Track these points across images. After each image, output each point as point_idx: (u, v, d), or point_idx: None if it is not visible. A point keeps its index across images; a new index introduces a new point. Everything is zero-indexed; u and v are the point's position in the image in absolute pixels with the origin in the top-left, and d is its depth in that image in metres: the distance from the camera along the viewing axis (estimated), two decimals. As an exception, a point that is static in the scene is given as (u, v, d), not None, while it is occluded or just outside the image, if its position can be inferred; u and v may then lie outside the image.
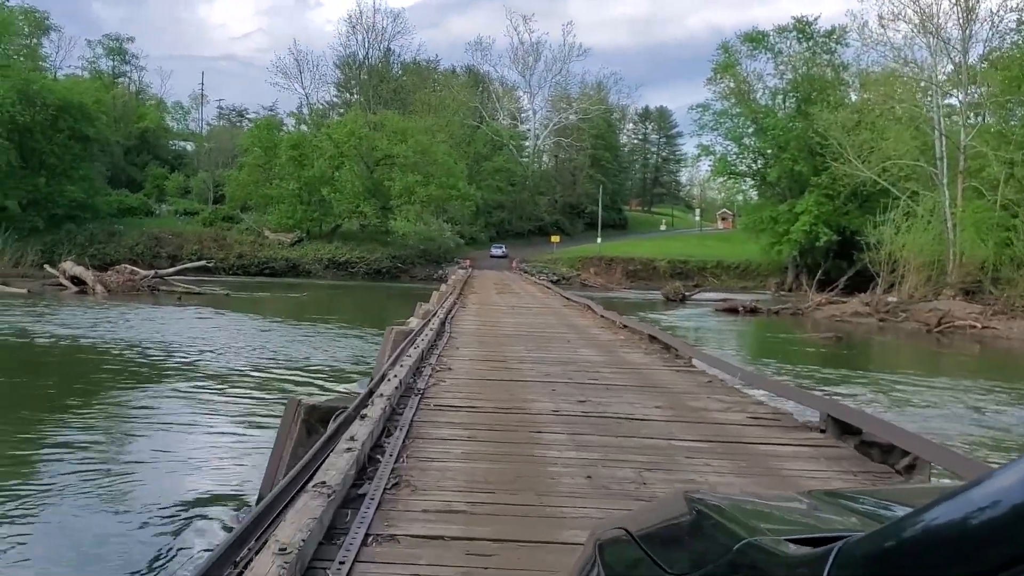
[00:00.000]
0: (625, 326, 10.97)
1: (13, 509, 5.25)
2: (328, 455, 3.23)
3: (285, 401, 5.32)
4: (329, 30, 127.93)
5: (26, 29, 48.58)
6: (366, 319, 20.21)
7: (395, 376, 5.15)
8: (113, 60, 65.55)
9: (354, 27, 59.45)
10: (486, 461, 3.65)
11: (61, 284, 24.71)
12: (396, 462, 3.46)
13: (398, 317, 15.30)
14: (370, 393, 4.70)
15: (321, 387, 10.06)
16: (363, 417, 3.87)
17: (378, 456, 3.52)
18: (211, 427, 8.04)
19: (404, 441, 3.86)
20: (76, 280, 24.32)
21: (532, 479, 3.39)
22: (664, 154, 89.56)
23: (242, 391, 9.98)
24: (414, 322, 11.64)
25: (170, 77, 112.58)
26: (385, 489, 3.06)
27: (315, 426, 4.70)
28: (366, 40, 57.84)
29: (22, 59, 44.52)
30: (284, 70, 58.40)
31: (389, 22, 75.42)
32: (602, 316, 12.69)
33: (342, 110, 55.73)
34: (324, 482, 2.77)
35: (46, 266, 27.89)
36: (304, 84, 60.48)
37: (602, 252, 44.51)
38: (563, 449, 3.98)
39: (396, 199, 40.31)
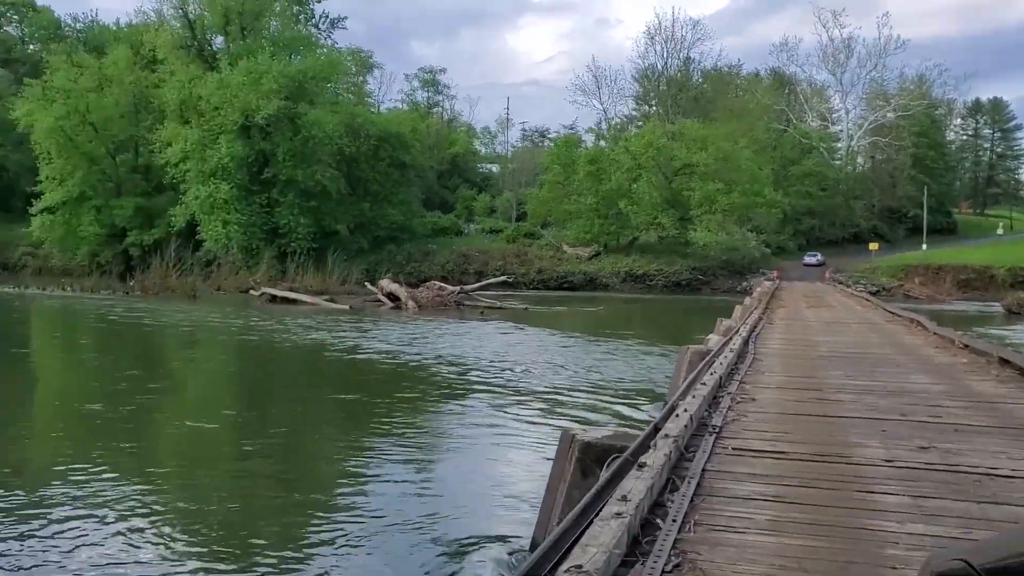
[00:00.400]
0: (966, 345, 9.19)
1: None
2: (594, 517, 2.61)
3: (562, 429, 4.79)
4: (628, 47, 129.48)
5: (353, 68, 54.21)
6: (663, 335, 19.53)
7: (685, 411, 4.42)
8: (427, 91, 71.38)
9: (652, 38, 59.37)
10: (799, 535, 2.81)
11: (379, 300, 26.83)
12: (680, 531, 2.74)
13: (697, 333, 14.40)
14: (654, 431, 4.02)
15: (608, 411, 9.55)
16: (641, 466, 3.19)
17: (658, 520, 2.82)
18: (496, 453, 7.80)
19: (692, 500, 3.11)
20: (391, 296, 26.26)
21: (865, 569, 2.52)
22: (999, 150, 79.81)
23: (532, 411, 9.74)
24: (713, 340, 10.70)
25: (477, 104, 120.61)
26: (663, 573, 2.37)
27: (591, 467, 4.12)
28: (664, 50, 57.55)
29: (351, 96, 49.75)
30: (583, 87, 59.83)
31: (688, 30, 74.48)
32: (936, 334, 10.87)
33: (640, 123, 55.76)
34: (580, 566, 2.14)
35: (367, 284, 30.49)
36: (602, 100, 61.49)
37: (928, 259, 40.00)
38: (904, 520, 3.01)
39: (696, 209, 39.30)
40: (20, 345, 17.04)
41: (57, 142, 40.72)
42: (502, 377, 12.35)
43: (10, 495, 5.99)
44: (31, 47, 65.19)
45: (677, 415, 4.29)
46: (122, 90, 42.05)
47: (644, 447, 3.64)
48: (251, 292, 29.65)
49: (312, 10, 50.92)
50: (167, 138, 38.79)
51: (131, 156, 43.31)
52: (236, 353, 16.08)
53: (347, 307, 25.24)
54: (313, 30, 50.21)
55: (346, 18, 53.84)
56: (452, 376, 12.42)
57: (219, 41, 43.53)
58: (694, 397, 4.90)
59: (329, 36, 51.72)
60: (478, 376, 12.40)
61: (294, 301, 27.07)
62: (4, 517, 5.47)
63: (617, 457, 3.55)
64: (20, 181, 47.16)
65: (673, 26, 73.94)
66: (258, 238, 38.49)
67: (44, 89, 41.21)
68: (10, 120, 42.90)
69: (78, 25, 66.17)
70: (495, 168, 69.65)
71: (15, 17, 67.97)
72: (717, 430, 4.42)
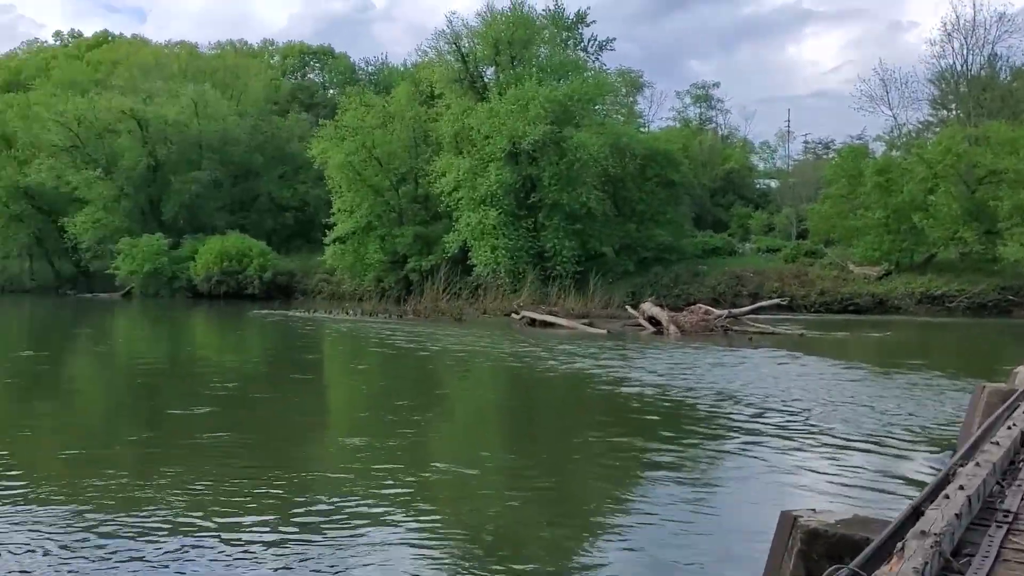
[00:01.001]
0: None
1: None
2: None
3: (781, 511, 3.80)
4: (923, 50, 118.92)
5: (623, 89, 54.26)
6: (967, 365, 17.08)
7: (961, 488, 3.23)
8: (700, 107, 69.86)
9: (950, 35, 53.54)
10: None
11: (639, 324, 26.11)
12: None
13: (1007, 364, 12.29)
14: (914, 514, 2.96)
15: (883, 466, 8.19)
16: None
17: None
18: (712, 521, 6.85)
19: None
20: (652, 320, 25.41)
21: None
22: None
23: (803, 457, 8.60)
24: (1021, 375, 8.84)
25: (754, 118, 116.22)
26: None
27: (817, 562, 3.13)
28: (964, 47, 51.65)
29: (619, 116, 49.77)
30: (869, 93, 55.19)
31: (993, 23, 66.50)
32: None
33: (937, 128, 50.46)
34: None
35: (627, 307, 29.87)
36: (892, 105, 56.29)
37: None
38: None
39: (1005, 220, 34.59)
40: (303, 370, 18.26)
41: (347, 176, 44.43)
42: (778, 415, 11.21)
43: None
44: (330, 92, 72.32)
45: (947, 495, 3.15)
46: (403, 125, 45.09)
47: (889, 544, 2.63)
48: (512, 315, 30.18)
49: (580, 34, 51.73)
50: (441, 168, 40.91)
51: (411, 187, 46.20)
52: (502, 382, 16.24)
53: (604, 331, 24.80)
54: (581, 54, 50.87)
55: (614, 39, 53.84)
56: (725, 414, 11.47)
57: (490, 72, 45.35)
58: (979, 465, 3.67)
59: (597, 59, 52.19)
60: (749, 414, 11.39)
61: (552, 324, 27.13)
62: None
63: (839, 569, 2.54)
64: (319, 214, 52.01)
65: (974, 21, 66.50)
66: (524, 262, 39.35)
67: (336, 128, 45.20)
68: (308, 158, 47.50)
69: (370, 68, 72.77)
70: (773, 183, 66.47)
71: (317, 65, 76.08)
72: (1011, 518, 3.22)
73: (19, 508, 6.76)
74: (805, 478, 7.91)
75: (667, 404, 12.34)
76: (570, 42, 50.12)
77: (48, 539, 5.98)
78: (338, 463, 8.76)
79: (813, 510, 3.51)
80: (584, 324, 26.71)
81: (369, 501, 7.15)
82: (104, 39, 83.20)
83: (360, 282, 46.22)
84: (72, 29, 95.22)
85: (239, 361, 20.58)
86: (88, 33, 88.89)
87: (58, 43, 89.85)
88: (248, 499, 7.14)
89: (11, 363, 18.60)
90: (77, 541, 5.95)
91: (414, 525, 6.48)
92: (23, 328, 33.09)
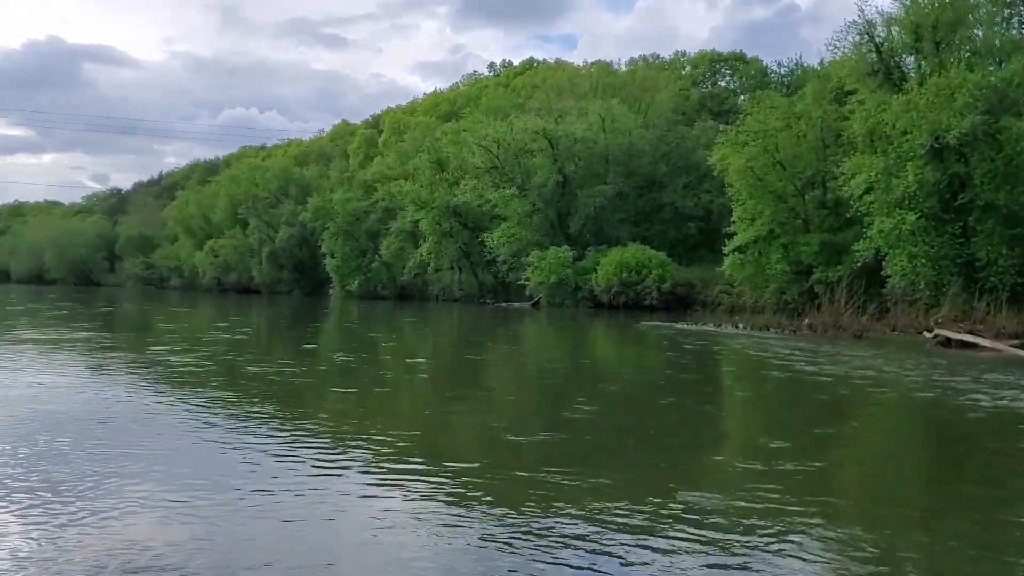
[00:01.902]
0: None
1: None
2: None
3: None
4: None
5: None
6: None
7: None
8: None
9: None
10: None
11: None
12: None
13: None
14: None
15: None
16: None
17: None
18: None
19: None
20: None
21: None
22: None
23: None
24: None
25: None
26: None
27: None
28: None
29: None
30: None
31: None
32: None
33: None
34: None
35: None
36: None
37: None
38: None
39: None
40: (681, 386, 17.77)
41: (747, 182, 43.35)
42: None
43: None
44: (741, 97, 71.33)
45: None
46: (809, 125, 42.83)
47: None
48: (924, 333, 26.86)
49: (1028, 9, 44.78)
50: (851, 169, 38.00)
51: (819, 192, 43.70)
52: (911, 420, 13.71)
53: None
54: (1030, 30, 44.03)
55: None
56: None
57: (909, 61, 41.20)
58: None
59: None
60: None
61: (973, 346, 23.55)
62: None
63: None
64: (722, 223, 51.45)
65: None
66: (948, 272, 34.94)
67: (737, 133, 44.34)
68: (710, 166, 47.24)
69: (782, 70, 70.46)
70: None
71: (728, 72, 75.59)
72: None
73: (450, 502, 7.49)
74: None
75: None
76: (1014, 20, 43.59)
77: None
78: (732, 486, 8.26)
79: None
80: (1015, 346, 22.86)
81: (781, 525, 6.77)
82: (529, 66, 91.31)
83: (761, 294, 44.73)
84: (504, 60, 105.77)
85: (625, 370, 20.99)
86: (517, 62, 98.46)
87: (491, 74, 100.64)
88: (647, 507, 7.23)
89: (441, 362, 22.33)
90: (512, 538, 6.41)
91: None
92: (452, 331, 37.33)
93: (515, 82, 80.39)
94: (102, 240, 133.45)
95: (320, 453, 9.44)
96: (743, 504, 7.38)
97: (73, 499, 7.28)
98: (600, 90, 63.99)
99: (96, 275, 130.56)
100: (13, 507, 7.05)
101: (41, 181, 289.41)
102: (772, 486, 7.98)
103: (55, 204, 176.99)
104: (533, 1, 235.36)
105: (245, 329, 33.94)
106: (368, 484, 7.99)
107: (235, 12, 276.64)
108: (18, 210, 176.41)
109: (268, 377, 16.41)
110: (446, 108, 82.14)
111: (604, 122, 57.27)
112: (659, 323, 37.44)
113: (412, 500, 7.47)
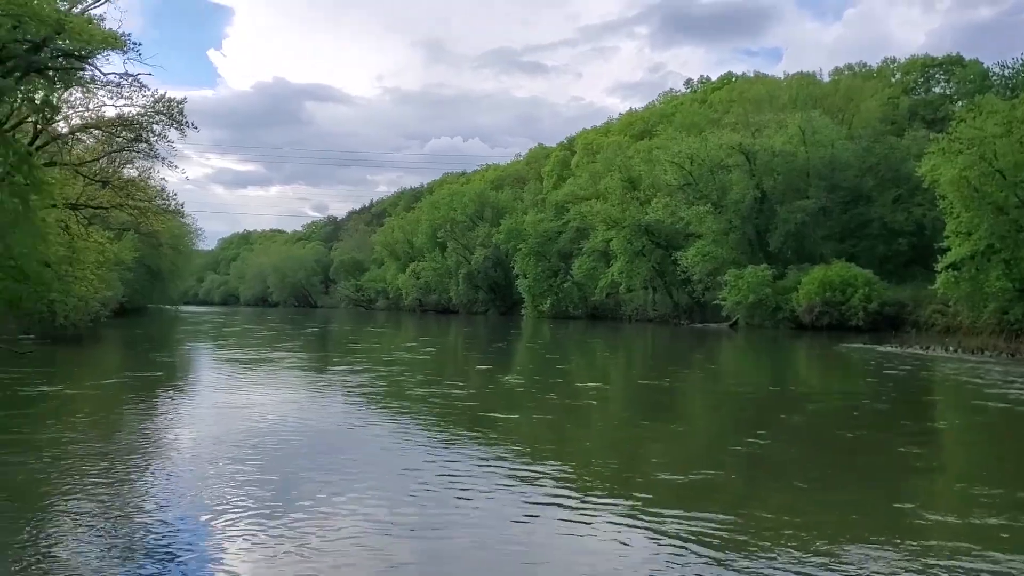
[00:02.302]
0: None
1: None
2: None
3: None
4: None
5: None
6: None
7: None
8: None
9: None
10: None
11: None
12: None
13: None
14: None
15: None
16: None
17: None
18: None
19: None
20: None
21: None
22: None
23: None
24: None
25: None
26: None
27: None
28: None
29: None
30: None
31: None
32: None
33: None
34: None
35: None
36: None
37: None
38: None
39: None
40: (887, 418, 16.65)
41: (962, 194, 40.40)
42: None
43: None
44: (958, 104, 66.62)
45: None
46: (1032, 129, 39.44)
47: None
48: None
49: None
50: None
51: (1047, 202, 40.07)
52: None
53: None
54: None
55: None
56: None
57: None
58: None
59: None
60: None
61: None
62: None
63: None
64: (936, 239, 48.22)
65: None
66: None
67: (949, 141, 41.51)
68: (919, 178, 44.45)
69: (1005, 72, 65.05)
70: None
71: (942, 76, 70.71)
72: None
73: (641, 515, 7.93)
74: None
75: None
76: None
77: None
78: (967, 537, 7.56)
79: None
80: None
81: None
82: (727, 81, 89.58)
83: (978, 314, 41.43)
84: (701, 76, 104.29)
85: (817, 398, 20.06)
86: (715, 78, 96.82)
87: (687, 91, 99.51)
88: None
89: (632, 387, 22.15)
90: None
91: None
92: (645, 354, 37.25)
93: (712, 97, 79.15)
94: (319, 265, 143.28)
95: (513, 477, 9.75)
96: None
97: (296, 516, 7.92)
98: (800, 102, 61.81)
99: (313, 297, 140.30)
100: (240, 523, 7.66)
101: (269, 211, 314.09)
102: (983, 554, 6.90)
103: (279, 232, 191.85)
104: (735, 15, 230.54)
105: (428, 350, 35.45)
106: (569, 519, 8.14)
107: (440, 47, 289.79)
108: (247, 239, 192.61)
109: (461, 399, 16.94)
110: (640, 127, 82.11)
111: (804, 134, 55.26)
112: (862, 345, 35.57)
113: (615, 531, 7.65)
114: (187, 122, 29.86)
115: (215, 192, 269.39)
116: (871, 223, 56.09)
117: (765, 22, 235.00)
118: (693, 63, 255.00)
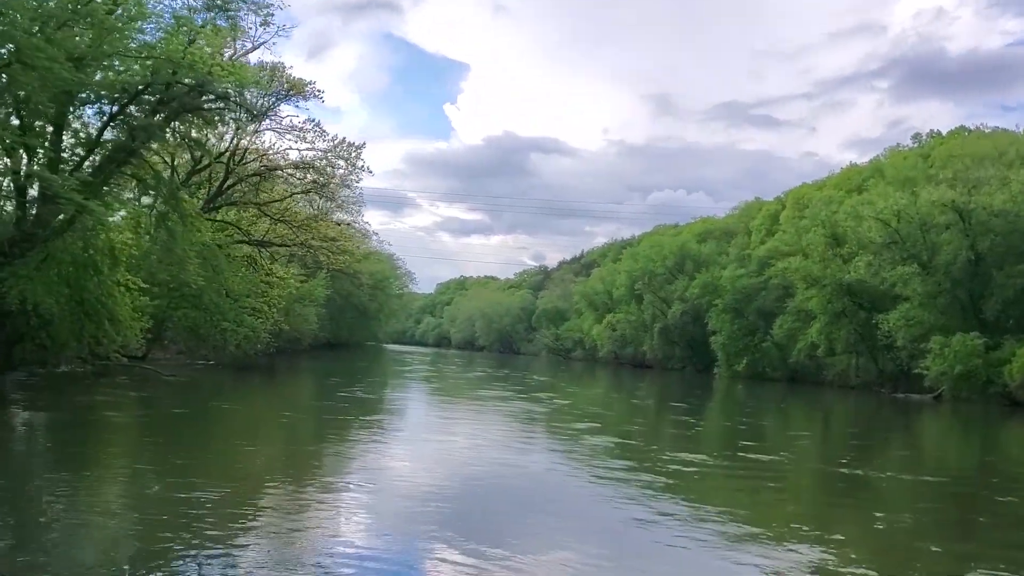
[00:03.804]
0: None
1: None
2: None
3: None
4: None
5: None
6: None
7: None
8: None
9: None
10: None
11: None
12: None
13: None
14: None
15: None
16: None
17: None
18: None
19: None
20: None
21: None
22: None
23: None
24: None
25: None
26: None
27: None
28: None
29: None
30: None
31: None
32: None
33: None
34: None
35: None
36: None
37: None
38: None
39: None
40: None
41: None
42: None
43: None
44: None
45: None
46: None
47: None
48: None
49: None
50: None
51: None
52: None
53: None
54: None
55: None
56: None
57: None
58: None
59: None
60: None
61: None
62: None
63: None
64: None
65: None
66: None
67: None
68: None
69: None
70: None
71: None
72: None
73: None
74: None
75: None
76: None
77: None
78: None
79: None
80: None
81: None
82: (959, 134, 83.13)
83: None
84: (931, 130, 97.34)
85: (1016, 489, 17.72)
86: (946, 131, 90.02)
87: (915, 145, 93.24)
88: None
89: (821, 468, 19.84)
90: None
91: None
92: (839, 426, 35.08)
93: (935, 152, 73.68)
94: (525, 312, 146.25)
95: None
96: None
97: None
98: (1027, 158, 56.21)
99: (517, 344, 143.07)
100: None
101: (489, 259, 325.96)
102: None
103: (493, 279, 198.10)
104: (992, 67, 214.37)
105: (593, 410, 35.00)
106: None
107: (667, 100, 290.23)
108: (463, 284, 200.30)
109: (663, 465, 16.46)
110: (856, 181, 77.77)
111: (1032, 193, 50.12)
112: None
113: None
114: (364, 166, 31.83)
115: (441, 239, 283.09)
116: (1111, 292, 49.81)
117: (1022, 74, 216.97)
118: (940, 118, 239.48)
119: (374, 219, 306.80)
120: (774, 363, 70.50)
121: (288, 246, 38.29)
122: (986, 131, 77.32)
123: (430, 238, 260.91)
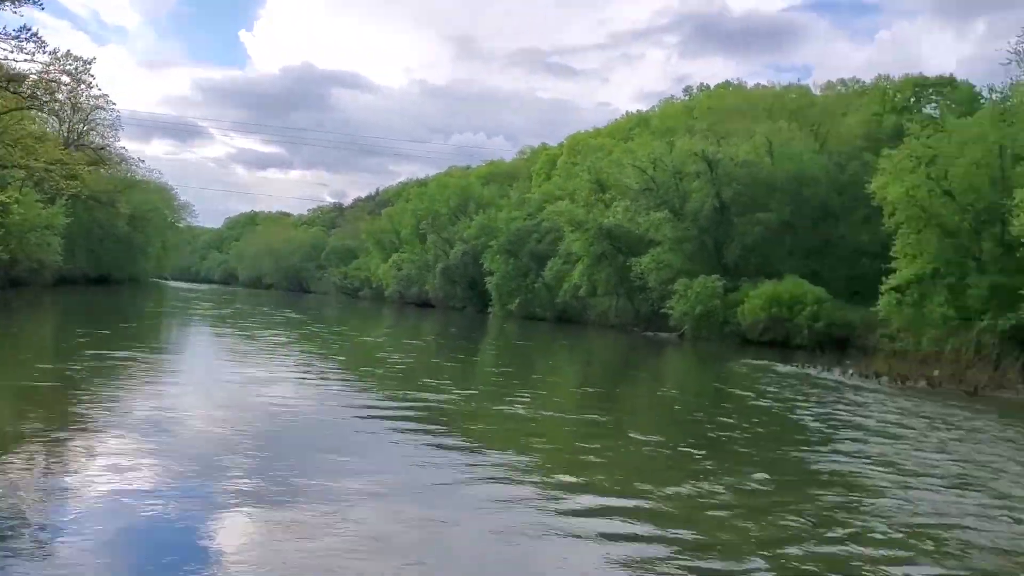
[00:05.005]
0: None
1: None
2: None
3: None
4: None
5: None
6: None
7: None
8: None
9: None
10: None
11: None
12: None
13: None
14: None
15: None
16: None
17: None
18: None
19: None
20: None
21: None
22: None
23: None
24: None
25: None
26: None
27: None
28: None
29: None
30: None
31: None
32: None
33: None
34: None
35: None
36: None
37: None
38: None
39: None
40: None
41: (909, 213, 38.59)
42: None
43: None
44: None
45: None
46: (983, 151, 37.43)
47: None
48: None
49: None
50: (1020, 201, 32.72)
51: (998, 229, 38.06)
52: None
53: None
54: None
55: None
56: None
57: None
58: None
59: None
60: None
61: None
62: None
63: None
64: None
65: None
66: None
67: (901, 159, 39.63)
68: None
69: (994, 95, 62.56)
70: None
71: (934, 96, 68.37)
72: None
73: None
74: None
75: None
76: None
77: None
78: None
79: None
80: None
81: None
82: (723, 88, 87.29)
83: (917, 343, 39.39)
84: (701, 83, 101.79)
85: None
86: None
87: (685, 97, 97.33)
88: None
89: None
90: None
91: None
92: (596, 362, 35.90)
93: (698, 105, 77.14)
94: (315, 250, 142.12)
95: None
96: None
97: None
98: (776, 113, 59.84)
99: (307, 283, 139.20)
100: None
101: (287, 195, 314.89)
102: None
103: (285, 215, 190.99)
104: (769, 30, 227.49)
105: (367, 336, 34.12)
106: None
107: (470, 43, 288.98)
108: (253, 219, 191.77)
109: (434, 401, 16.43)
110: (626, 130, 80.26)
111: (772, 145, 53.33)
112: (765, 363, 33.85)
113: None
114: (95, 84, 28.83)
115: (236, 172, 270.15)
116: (838, 242, 54.13)
117: (799, 38, 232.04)
118: (721, 75, 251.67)
119: (159, 148, 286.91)
120: (544, 303, 72.08)
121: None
122: (746, 87, 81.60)
123: (223, 170, 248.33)
